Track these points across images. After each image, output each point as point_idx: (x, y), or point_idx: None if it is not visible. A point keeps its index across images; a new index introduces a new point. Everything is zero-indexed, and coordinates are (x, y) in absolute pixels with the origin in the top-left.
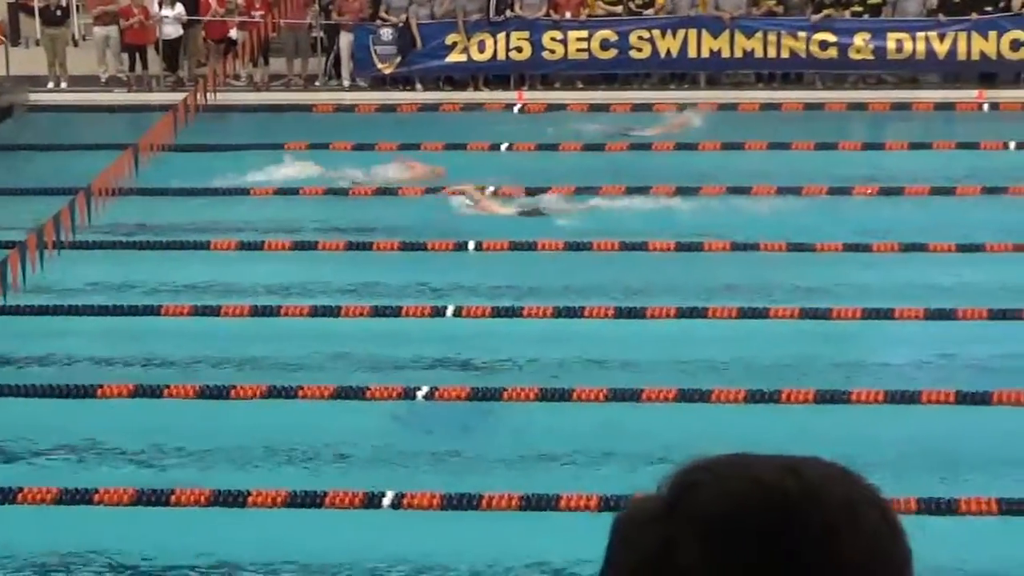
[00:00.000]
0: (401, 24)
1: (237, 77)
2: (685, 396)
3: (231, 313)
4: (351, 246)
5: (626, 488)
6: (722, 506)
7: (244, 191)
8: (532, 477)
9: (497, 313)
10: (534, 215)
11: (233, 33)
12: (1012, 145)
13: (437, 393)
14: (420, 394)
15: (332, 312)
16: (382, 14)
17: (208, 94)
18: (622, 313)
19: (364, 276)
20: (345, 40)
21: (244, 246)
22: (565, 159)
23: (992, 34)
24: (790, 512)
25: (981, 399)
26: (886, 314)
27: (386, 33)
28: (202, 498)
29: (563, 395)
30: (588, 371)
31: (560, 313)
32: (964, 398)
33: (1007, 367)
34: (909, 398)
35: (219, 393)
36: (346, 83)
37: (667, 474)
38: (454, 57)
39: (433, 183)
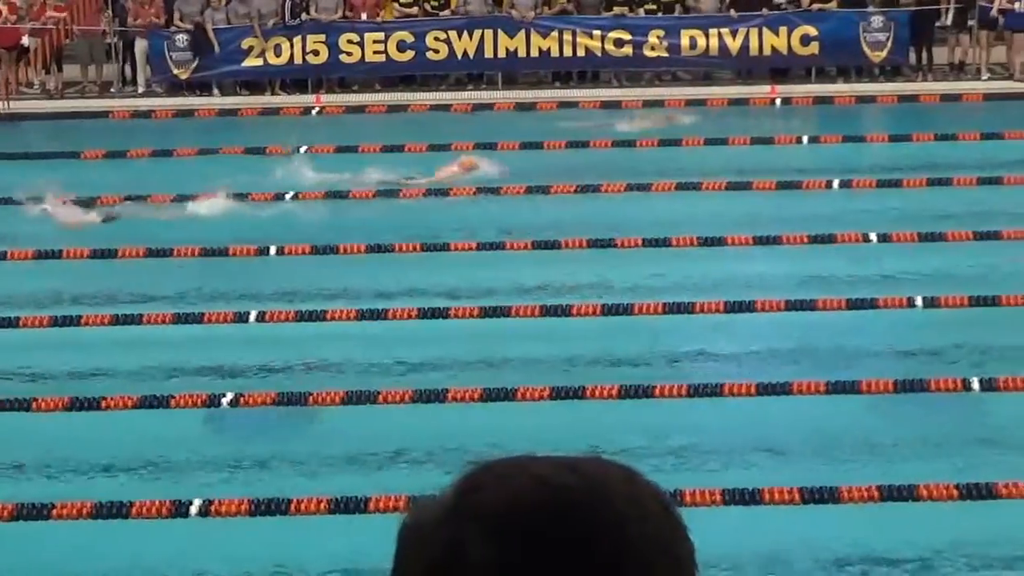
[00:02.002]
0: (196, 29)
1: (30, 85)
2: (491, 395)
3: (30, 324)
4: (151, 253)
5: (436, 487)
6: (506, 504)
7: (39, 199)
8: (341, 480)
9: (301, 317)
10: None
11: (25, 40)
12: (805, 139)
13: (242, 399)
14: (225, 401)
15: (134, 320)
16: (177, 20)
17: (0, 103)
18: (426, 314)
19: (165, 283)
20: (140, 46)
21: (42, 255)
22: (366, 159)
23: (783, 30)
24: (575, 507)
25: (782, 389)
26: (687, 308)
27: (181, 38)
28: (4, 512)
29: (369, 397)
30: (394, 372)
31: (364, 315)
32: (765, 389)
33: (806, 357)
34: (711, 391)
35: (21, 406)
36: (141, 89)
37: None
38: (251, 61)
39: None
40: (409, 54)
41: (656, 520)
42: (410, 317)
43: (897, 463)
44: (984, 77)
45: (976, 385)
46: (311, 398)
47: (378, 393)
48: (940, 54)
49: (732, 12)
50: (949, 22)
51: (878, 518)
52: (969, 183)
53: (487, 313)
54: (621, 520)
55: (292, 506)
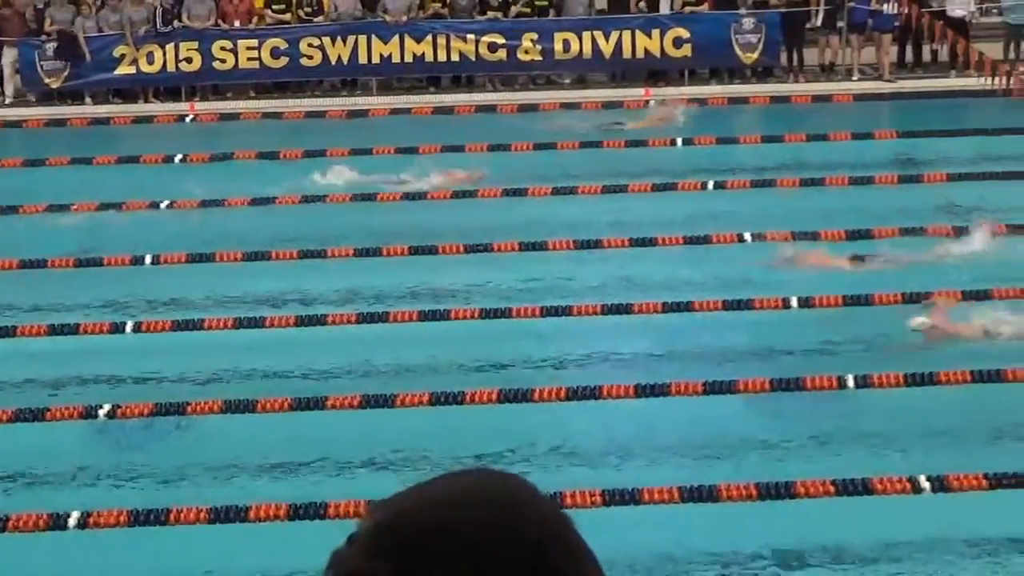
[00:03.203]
0: (67, 37)
1: None
2: (370, 401)
3: None
4: (24, 264)
5: (316, 496)
6: (422, 540)
7: None
8: (220, 489)
9: (178, 327)
10: None
11: None
12: (679, 141)
13: (120, 410)
14: (102, 412)
15: (8, 332)
16: (47, 28)
17: None
18: (304, 321)
19: (40, 295)
20: (9, 55)
21: None
22: (241, 166)
23: (655, 32)
24: (490, 540)
25: (661, 390)
26: (564, 311)
27: (52, 47)
28: None
29: (248, 406)
30: (273, 380)
31: (242, 324)
32: (644, 390)
33: (683, 358)
34: (591, 393)
35: None
36: (9, 100)
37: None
38: (123, 69)
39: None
40: (283, 60)
41: (566, 538)
42: (288, 325)
43: (775, 461)
44: (854, 78)
45: (851, 382)
46: (189, 407)
47: (256, 402)
48: (811, 55)
49: (601, 16)
50: (819, 24)
51: (757, 516)
52: (841, 183)
53: (365, 319)
54: (535, 546)
55: (171, 516)
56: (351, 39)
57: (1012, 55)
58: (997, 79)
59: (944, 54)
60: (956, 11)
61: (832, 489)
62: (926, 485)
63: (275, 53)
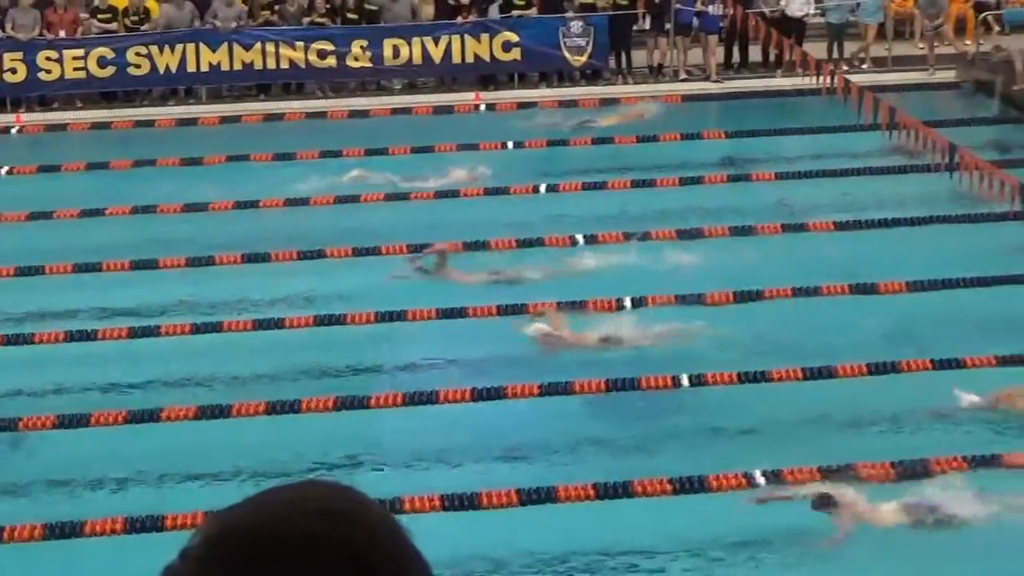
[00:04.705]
0: None
1: None
2: (205, 412)
3: None
4: None
5: (152, 509)
6: (253, 551)
7: None
8: (54, 504)
9: (8, 341)
10: None
11: None
12: (511, 144)
13: None
14: None
15: None
16: None
17: None
18: (137, 332)
19: None
20: None
21: None
22: (70, 178)
23: (484, 37)
24: (325, 542)
25: (496, 394)
26: (399, 316)
27: None
28: None
29: (82, 420)
30: (107, 393)
31: (73, 337)
32: (479, 395)
33: (519, 360)
34: (427, 398)
35: None
36: None
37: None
38: None
39: None
40: (110, 70)
41: (396, 547)
42: (121, 337)
43: (613, 461)
44: (681, 78)
45: (685, 381)
46: (21, 423)
47: (90, 416)
48: (639, 57)
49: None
50: (647, 26)
51: (596, 515)
52: (671, 183)
53: (199, 329)
54: (364, 556)
55: (5, 534)
56: (179, 47)
57: (835, 54)
58: (821, 78)
59: (777, 54)
60: (795, 11)
61: (670, 487)
62: (761, 480)
63: (102, 62)
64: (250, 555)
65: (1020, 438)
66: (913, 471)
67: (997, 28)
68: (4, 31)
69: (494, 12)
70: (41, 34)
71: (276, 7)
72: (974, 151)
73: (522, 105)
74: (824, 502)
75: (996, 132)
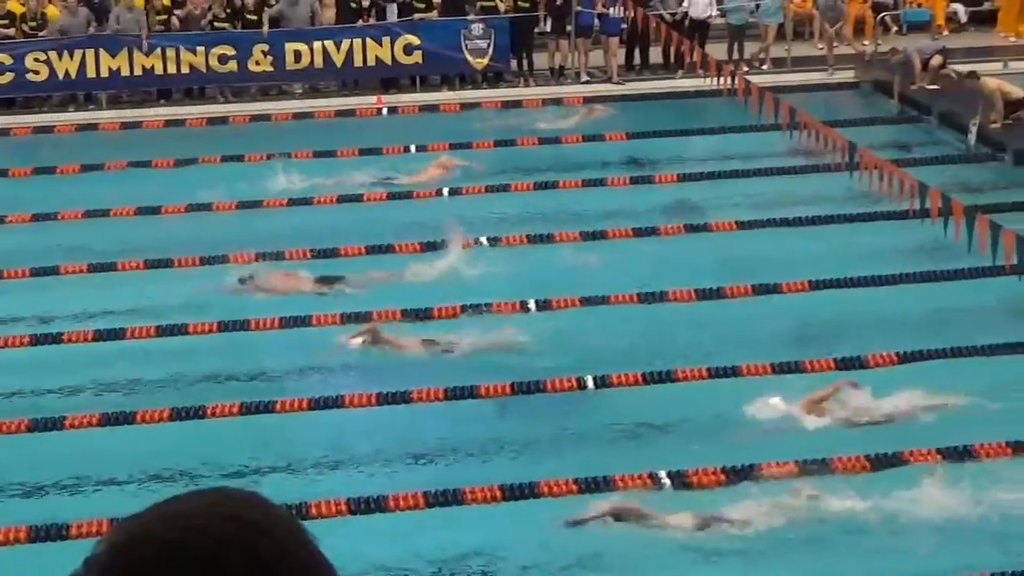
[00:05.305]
0: None
1: None
2: (109, 419)
3: None
4: None
5: (57, 517)
6: (157, 559)
7: None
8: None
9: None
10: None
11: None
12: (413, 148)
13: None
14: None
15: None
16: None
17: None
18: (38, 340)
19: None
20: None
21: None
22: None
23: (386, 40)
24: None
25: (402, 398)
26: (304, 321)
27: None
28: None
29: None
30: (8, 401)
31: None
32: (385, 399)
33: (425, 365)
34: (331, 403)
35: None
36: None
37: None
38: None
39: None
40: (8, 76)
41: (301, 553)
42: (23, 344)
43: (519, 462)
44: (583, 80)
45: (591, 383)
46: None
47: None
48: (541, 59)
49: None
50: (548, 28)
51: (503, 516)
52: (574, 185)
53: (102, 336)
54: (269, 562)
55: None
56: (78, 53)
57: (736, 55)
58: (722, 79)
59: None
60: (698, 14)
61: (575, 488)
62: (666, 480)
63: (0, 69)
64: (155, 563)
65: (921, 437)
66: (816, 470)
67: (895, 28)
68: None
69: (393, 15)
70: None
71: (176, 12)
72: (873, 150)
73: (424, 108)
74: (619, 515)
75: (895, 131)
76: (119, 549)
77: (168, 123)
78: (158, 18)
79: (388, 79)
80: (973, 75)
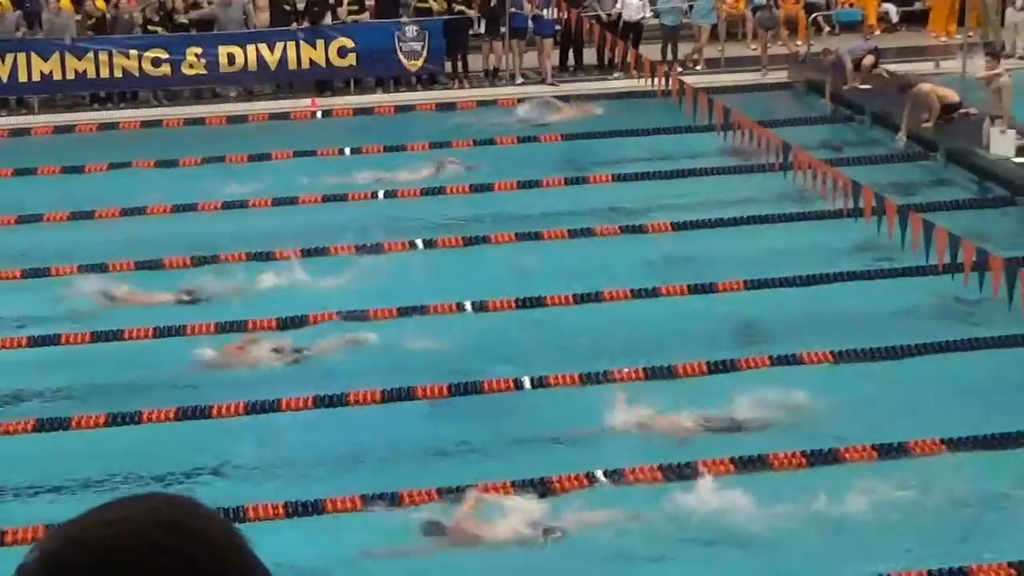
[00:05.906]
0: None
1: None
2: (44, 425)
3: None
4: None
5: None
6: (90, 566)
7: None
8: None
9: None
10: None
11: None
12: (348, 150)
13: None
14: None
15: None
16: None
17: None
18: None
19: None
20: None
21: None
22: None
23: (320, 43)
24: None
25: (338, 401)
26: (240, 326)
27: None
28: None
29: None
30: None
31: None
32: (323, 401)
33: (361, 368)
34: (269, 407)
35: None
36: None
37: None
38: None
39: None
40: None
41: (236, 559)
42: None
43: (456, 465)
44: (518, 82)
45: (527, 383)
46: None
47: None
48: (475, 61)
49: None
50: (482, 30)
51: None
52: (510, 187)
53: (35, 342)
54: (204, 568)
55: None
56: (10, 57)
57: (670, 56)
58: (656, 80)
59: (614, 57)
60: (632, 16)
61: (512, 488)
62: (604, 480)
63: None
64: (88, 569)
65: (856, 435)
66: (753, 466)
67: (827, 28)
68: None
69: (327, 17)
70: None
71: (108, 16)
72: (807, 150)
73: (359, 111)
74: (432, 529)
75: (828, 131)
76: (52, 555)
77: (101, 127)
78: (88, 22)
79: (322, 82)
80: (907, 81)
